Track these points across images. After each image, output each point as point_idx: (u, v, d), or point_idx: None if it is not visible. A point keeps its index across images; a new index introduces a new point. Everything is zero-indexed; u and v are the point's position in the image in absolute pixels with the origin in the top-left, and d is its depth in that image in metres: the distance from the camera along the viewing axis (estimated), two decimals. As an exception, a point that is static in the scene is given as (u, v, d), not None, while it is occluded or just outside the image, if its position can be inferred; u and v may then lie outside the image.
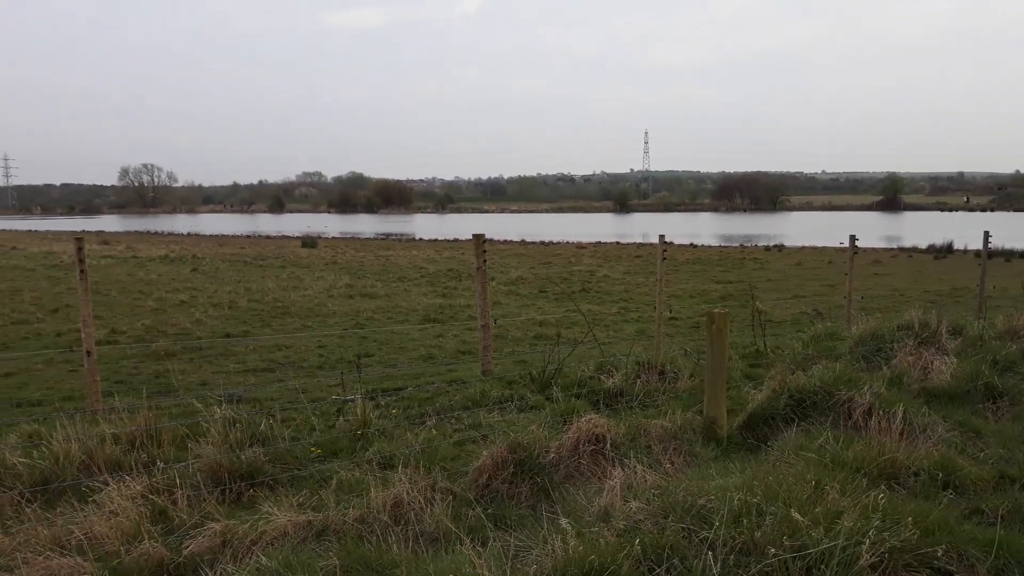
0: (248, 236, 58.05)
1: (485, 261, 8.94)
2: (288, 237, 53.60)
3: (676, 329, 13.07)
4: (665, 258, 10.28)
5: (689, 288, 19.93)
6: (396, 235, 59.54)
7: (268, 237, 55.45)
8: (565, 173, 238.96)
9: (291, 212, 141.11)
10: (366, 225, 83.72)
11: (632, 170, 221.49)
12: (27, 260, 28.10)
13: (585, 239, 48.31)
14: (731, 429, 6.39)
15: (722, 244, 43.62)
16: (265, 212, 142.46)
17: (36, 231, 67.02)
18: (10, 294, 17.81)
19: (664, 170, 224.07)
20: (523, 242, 46.30)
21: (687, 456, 5.89)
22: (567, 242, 45.70)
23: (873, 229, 56.80)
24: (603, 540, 3.68)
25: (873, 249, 34.93)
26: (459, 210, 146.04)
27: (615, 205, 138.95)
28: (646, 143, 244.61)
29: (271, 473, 5.45)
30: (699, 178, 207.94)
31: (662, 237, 10.60)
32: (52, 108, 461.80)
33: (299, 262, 28.43)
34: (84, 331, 7.12)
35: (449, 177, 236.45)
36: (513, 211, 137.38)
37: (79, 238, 7.31)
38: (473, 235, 8.99)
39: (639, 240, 47.70)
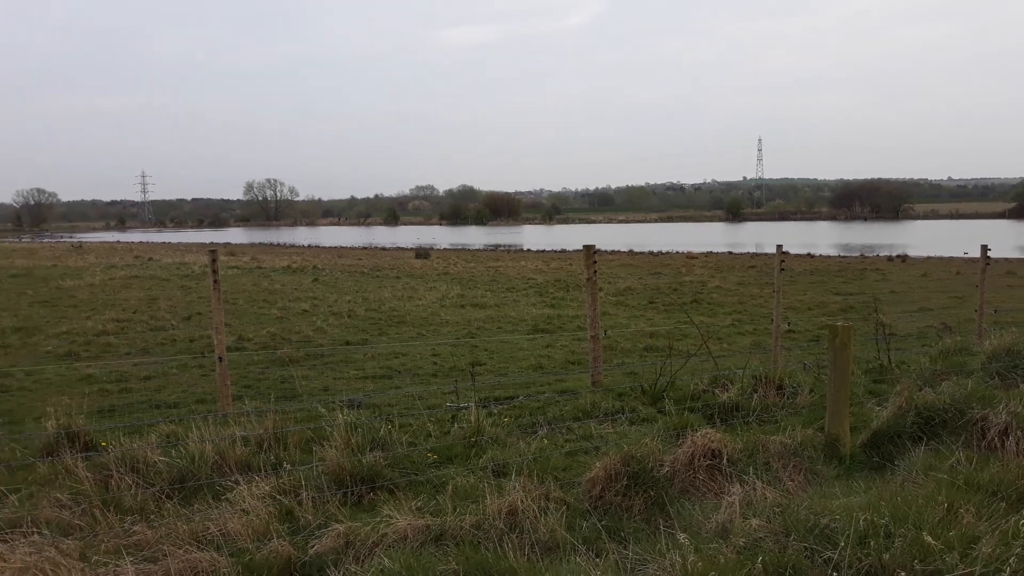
0: (365, 248, 59.96)
1: (595, 272, 8.93)
2: (402, 249, 55.06)
3: (793, 342, 12.65)
4: (783, 268, 9.99)
5: (807, 300, 19.25)
6: (504, 246, 60.20)
7: (383, 249, 57.12)
8: (675, 182, 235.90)
9: (405, 224, 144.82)
10: (475, 237, 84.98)
11: (745, 178, 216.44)
12: (162, 271, 29.97)
13: (696, 249, 47.46)
14: (854, 447, 6.15)
15: (841, 254, 41.88)
16: (380, 224, 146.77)
17: (169, 243, 71.42)
18: (148, 302, 19.05)
19: (778, 178, 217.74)
20: (631, 252, 45.91)
21: (808, 474, 5.71)
22: (677, 252, 45.01)
23: (1006, 238, 53.26)
24: (722, 557, 3.61)
25: (1006, 260, 32.75)
26: (566, 221, 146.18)
27: (727, 214, 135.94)
28: (759, 150, 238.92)
29: (390, 477, 5.62)
30: (816, 186, 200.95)
31: (779, 247, 10.30)
32: (185, 129, 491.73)
33: (413, 273, 29.14)
34: (216, 338, 7.54)
35: (556, 188, 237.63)
36: (621, 221, 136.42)
37: (213, 250, 7.75)
38: (583, 246, 9.00)
39: (752, 250, 46.47)
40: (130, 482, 5.44)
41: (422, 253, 43.55)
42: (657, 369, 8.56)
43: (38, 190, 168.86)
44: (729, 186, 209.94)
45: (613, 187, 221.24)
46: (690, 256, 40.69)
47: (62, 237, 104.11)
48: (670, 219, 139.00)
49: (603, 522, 4.73)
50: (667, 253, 44.50)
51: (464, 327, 14.85)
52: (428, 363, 11.21)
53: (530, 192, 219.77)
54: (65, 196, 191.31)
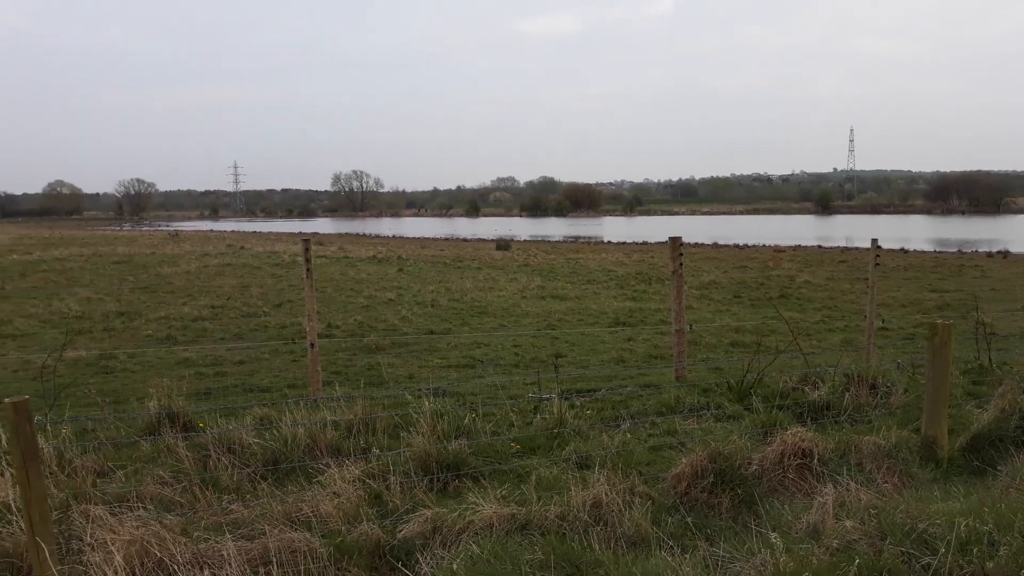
0: (447, 239, 60.65)
1: (681, 264, 8.82)
2: (483, 240, 55.43)
3: (887, 340, 12.21)
4: (878, 263, 9.65)
5: (900, 296, 18.52)
6: (585, 238, 59.92)
7: (465, 240, 57.63)
8: (761, 173, 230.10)
9: (485, 216, 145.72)
10: (555, 228, 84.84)
11: (835, 169, 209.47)
12: (253, 259, 31.00)
13: (783, 242, 46.20)
14: (952, 450, 5.90)
15: (937, 250, 40.09)
16: (462, 216, 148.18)
17: (259, 232, 73.81)
18: (241, 289, 19.76)
19: (871, 169, 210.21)
20: (715, 245, 45.05)
21: (902, 476, 5.52)
22: (763, 245, 43.92)
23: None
24: (815, 558, 3.53)
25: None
26: (648, 212, 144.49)
27: (816, 207, 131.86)
28: (851, 140, 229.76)
29: (474, 465, 5.69)
30: (910, 178, 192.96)
31: (874, 241, 9.94)
32: (275, 120, 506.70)
33: (494, 264, 29.34)
34: (308, 325, 7.77)
35: (638, 179, 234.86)
36: (704, 213, 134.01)
37: (306, 239, 7.98)
38: (669, 238, 8.89)
39: (843, 244, 44.96)
40: (227, 462, 5.67)
41: (503, 244, 43.76)
42: (744, 365, 8.39)
43: (138, 180, 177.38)
44: (818, 178, 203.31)
45: (697, 178, 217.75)
46: (777, 249, 39.65)
47: (159, 225, 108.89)
48: (756, 211, 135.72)
49: (688, 518, 4.68)
50: (753, 246, 43.47)
51: (544, 319, 14.88)
52: (510, 353, 11.28)
53: (611, 183, 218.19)
54: (163, 186, 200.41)
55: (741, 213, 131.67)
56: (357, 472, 5.28)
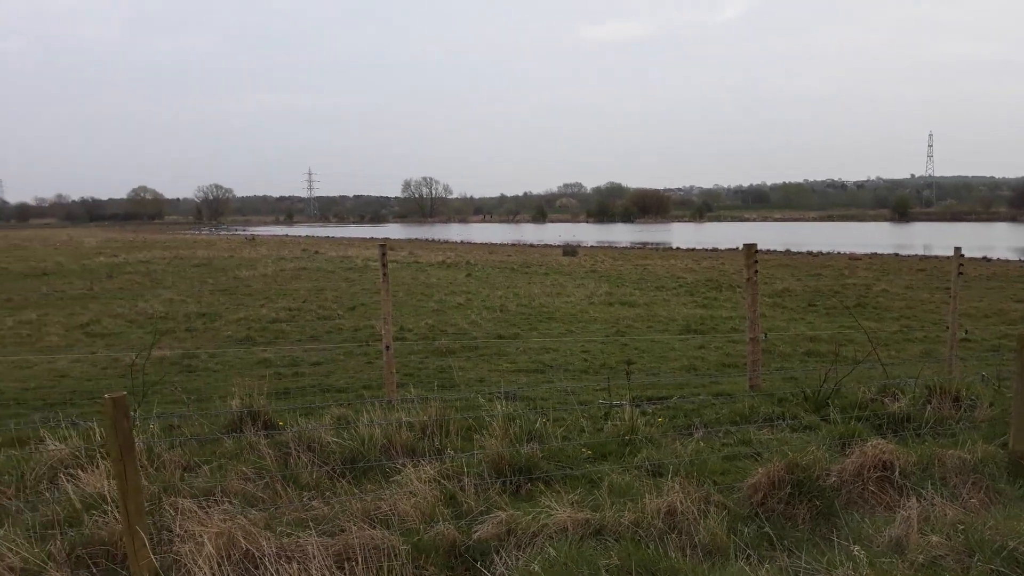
0: (514, 244, 60.92)
1: (756, 272, 8.69)
2: (550, 246, 55.50)
3: (969, 352, 11.79)
4: (961, 272, 9.34)
5: (983, 307, 17.83)
6: (652, 244, 59.38)
7: (531, 245, 57.81)
8: (835, 179, 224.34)
9: (552, 222, 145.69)
10: (622, 234, 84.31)
11: (913, 175, 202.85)
12: (327, 263, 31.72)
13: (859, 250, 44.95)
14: (1044, 467, 5.66)
15: (1023, 258, 38.44)
16: (528, 222, 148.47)
17: (332, 237, 75.43)
18: (315, 293, 20.25)
19: (951, 175, 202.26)
20: (788, 252, 44.10)
21: (989, 492, 5.32)
22: (838, 253, 42.79)
23: None
24: (899, 573, 3.45)
25: None
26: (718, 219, 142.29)
27: (892, 214, 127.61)
28: (930, 146, 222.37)
29: (546, 469, 5.73)
30: (993, 184, 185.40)
31: (957, 249, 9.61)
32: (348, 128, 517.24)
33: (561, 270, 29.35)
34: (384, 327, 7.93)
35: (707, 185, 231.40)
36: (776, 220, 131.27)
37: (383, 244, 8.15)
38: (744, 245, 8.77)
39: (921, 252, 43.47)
40: (306, 460, 5.83)
41: (569, 250, 43.71)
42: (820, 375, 8.21)
43: (216, 186, 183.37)
44: (895, 184, 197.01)
45: (768, 184, 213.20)
46: (853, 257, 38.60)
47: (236, 230, 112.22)
48: (830, 218, 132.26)
49: (764, 529, 4.62)
50: (827, 254, 42.41)
51: (613, 325, 14.83)
52: (578, 359, 11.29)
53: (679, 189, 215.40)
54: (240, 192, 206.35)
55: (814, 220, 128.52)
56: (432, 472, 5.36)
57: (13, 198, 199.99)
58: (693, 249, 49.33)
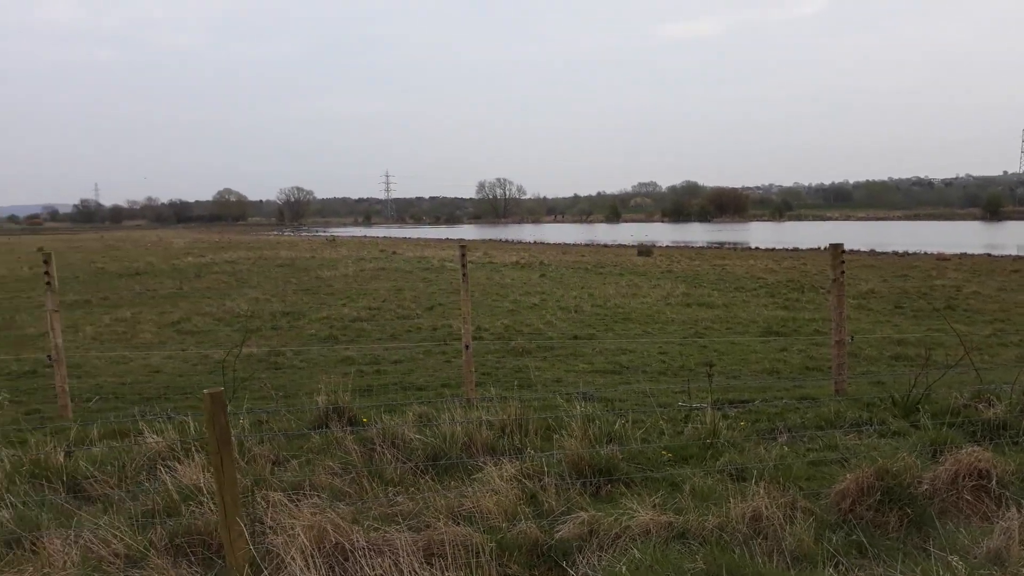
0: (587, 244, 60.72)
1: (843, 272, 8.47)
2: (624, 246, 55.10)
3: (1072, 357, 11.21)
4: (1063, 274, 8.88)
5: (1087, 310, 16.93)
6: (730, 244, 58.30)
7: (605, 246, 57.50)
8: (922, 177, 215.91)
9: (626, 221, 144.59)
10: (698, 234, 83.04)
11: (1006, 172, 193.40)
12: (405, 263, 32.24)
13: (947, 250, 43.14)
14: None
15: None
16: (601, 222, 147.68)
17: (409, 238, 76.63)
18: (394, 292, 20.62)
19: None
20: (872, 252, 42.68)
21: (1096, 506, 5.07)
22: (925, 253, 41.16)
23: None
24: (999, 586, 3.33)
25: None
26: (798, 218, 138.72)
27: (983, 212, 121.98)
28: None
29: (626, 471, 5.71)
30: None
31: (1060, 250, 9.14)
32: (424, 131, 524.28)
33: (636, 270, 29.11)
34: (464, 327, 8.03)
35: (787, 183, 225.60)
36: (860, 219, 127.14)
37: (463, 246, 8.26)
38: (830, 245, 8.57)
39: (1015, 252, 41.46)
40: (390, 456, 5.96)
41: (644, 250, 43.30)
42: (910, 379, 7.94)
43: (298, 188, 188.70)
44: (986, 181, 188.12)
45: (851, 182, 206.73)
46: (941, 258, 37.09)
47: (317, 231, 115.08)
48: (916, 217, 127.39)
49: (853, 536, 4.51)
50: (914, 254, 40.86)
51: (691, 326, 14.64)
52: (656, 361, 11.19)
53: (758, 187, 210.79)
54: (319, 194, 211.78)
55: (899, 219, 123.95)
56: (513, 471, 5.41)
57: (107, 201, 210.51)
58: (773, 249, 48.21)
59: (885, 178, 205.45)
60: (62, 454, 6.09)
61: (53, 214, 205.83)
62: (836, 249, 8.48)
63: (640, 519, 4.44)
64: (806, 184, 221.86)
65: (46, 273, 8.22)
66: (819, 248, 44.33)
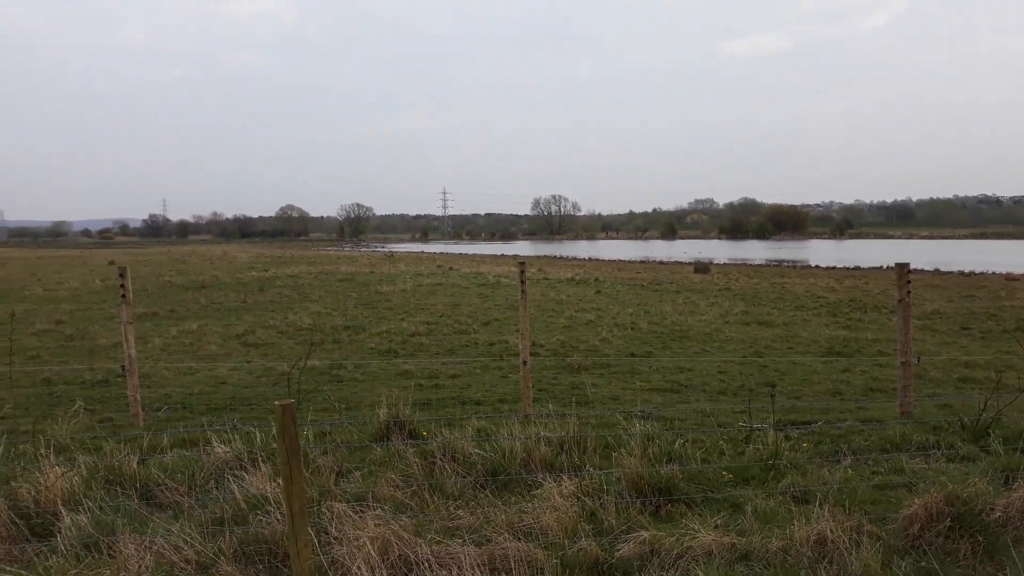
0: (642, 261, 60.33)
1: (909, 292, 8.30)
2: (680, 263, 54.59)
3: None
4: None
5: None
6: (789, 262, 57.26)
7: (661, 263, 57.05)
8: (989, 194, 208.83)
9: (682, 238, 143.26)
10: (756, 251, 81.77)
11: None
12: (461, 279, 32.51)
13: (1017, 270, 41.67)
14: None
15: None
16: (657, 238, 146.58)
17: (465, 254, 77.22)
18: (451, 308, 20.82)
19: None
20: (937, 272, 41.48)
21: None
22: (993, 273, 39.85)
23: None
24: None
25: None
26: (859, 235, 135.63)
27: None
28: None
29: (686, 491, 5.68)
30: None
31: None
32: (482, 148, 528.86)
33: (692, 287, 28.83)
34: (522, 343, 8.09)
35: (848, 200, 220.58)
36: (923, 237, 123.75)
37: (522, 262, 8.33)
38: (896, 264, 8.42)
39: (1092, 273, 39.79)
40: (450, 470, 6.04)
41: (701, 267, 42.83)
42: (979, 403, 7.72)
43: (358, 205, 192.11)
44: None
45: (914, 199, 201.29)
46: (1010, 278, 35.82)
47: (376, 247, 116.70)
48: (983, 235, 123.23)
49: (922, 563, 4.42)
50: (980, 273, 39.56)
51: (750, 345, 14.45)
52: (715, 380, 11.07)
53: (818, 205, 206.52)
54: (378, 210, 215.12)
55: (965, 237, 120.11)
56: (572, 488, 5.43)
57: (175, 215, 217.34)
58: (833, 267, 47.21)
59: (950, 195, 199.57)
60: (135, 461, 6.32)
61: (123, 228, 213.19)
62: (902, 268, 8.32)
63: (702, 540, 4.42)
64: (867, 201, 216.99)
65: (121, 286, 8.54)
66: (881, 267, 43.28)
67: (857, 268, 45.39)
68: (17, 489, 5.60)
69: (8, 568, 4.54)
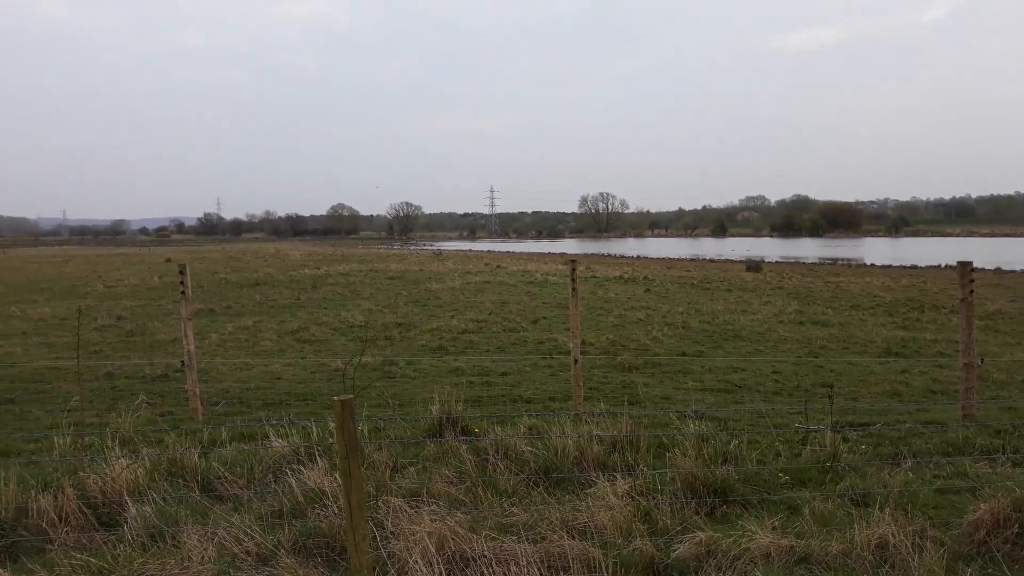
0: (692, 259, 59.73)
1: (972, 292, 8.08)
2: (730, 261, 53.91)
3: None
4: None
5: None
6: (843, 260, 56.11)
7: (711, 261, 56.41)
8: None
9: (732, 236, 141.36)
10: (808, 249, 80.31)
11: None
12: (509, 277, 32.57)
13: (1086, 269, 40.21)
14: None
15: None
16: (707, 236, 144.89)
17: (512, 252, 77.39)
18: (500, 305, 20.88)
19: None
20: (999, 271, 40.23)
21: None
22: (1060, 271, 38.52)
23: None
24: None
25: None
26: (915, 233, 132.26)
27: None
28: None
29: (741, 492, 5.62)
30: None
31: None
32: (528, 145, 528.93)
33: (744, 286, 28.44)
34: (573, 341, 8.08)
35: (904, 197, 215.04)
36: (984, 235, 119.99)
37: (573, 260, 8.33)
38: (958, 263, 8.19)
39: None
40: (503, 467, 6.07)
41: (753, 266, 42.23)
42: (1047, 406, 7.49)
43: (407, 203, 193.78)
44: None
45: (973, 196, 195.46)
46: (1079, 277, 34.58)
47: (424, 245, 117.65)
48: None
49: (988, 570, 4.31)
50: (1046, 272, 38.29)
51: (805, 345, 14.20)
52: (769, 380, 10.92)
53: (873, 202, 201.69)
54: (427, 209, 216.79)
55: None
56: (626, 487, 5.42)
57: (228, 214, 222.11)
58: (889, 266, 46.11)
59: (1011, 192, 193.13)
60: (196, 454, 6.48)
61: (179, 226, 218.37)
62: (964, 267, 8.10)
63: (759, 541, 4.37)
64: (924, 198, 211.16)
65: (181, 283, 8.76)
66: (939, 266, 42.12)
67: (914, 267, 44.25)
68: (85, 479, 5.78)
69: (78, 556, 4.70)
